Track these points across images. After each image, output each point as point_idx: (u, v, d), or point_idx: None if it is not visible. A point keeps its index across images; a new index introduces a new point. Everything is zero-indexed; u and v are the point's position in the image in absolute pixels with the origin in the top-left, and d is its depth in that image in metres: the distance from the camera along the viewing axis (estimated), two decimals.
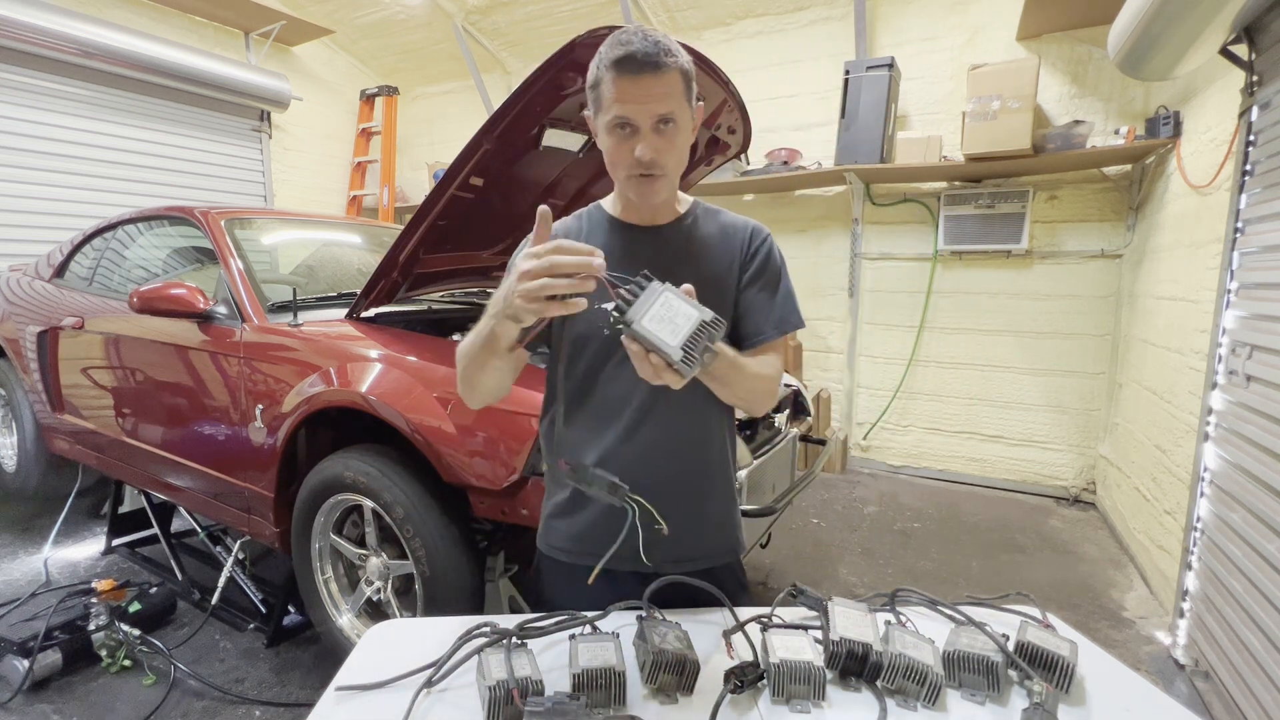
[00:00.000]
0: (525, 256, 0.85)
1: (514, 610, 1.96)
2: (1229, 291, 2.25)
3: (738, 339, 1.13)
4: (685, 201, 1.19)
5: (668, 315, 0.81)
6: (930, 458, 4.42)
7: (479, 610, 1.78)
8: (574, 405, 1.16)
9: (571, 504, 1.17)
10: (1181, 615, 2.37)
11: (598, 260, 0.83)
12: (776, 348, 1.14)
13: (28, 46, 3.99)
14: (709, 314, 0.81)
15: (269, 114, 5.49)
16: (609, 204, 1.18)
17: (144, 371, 2.53)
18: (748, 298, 1.14)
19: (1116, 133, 3.50)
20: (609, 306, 0.83)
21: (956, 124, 3.82)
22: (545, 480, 1.25)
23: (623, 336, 0.83)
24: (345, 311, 2.20)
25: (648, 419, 1.11)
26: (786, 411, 2.49)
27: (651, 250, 1.11)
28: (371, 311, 2.20)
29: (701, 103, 1.08)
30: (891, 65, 3.93)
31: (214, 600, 2.37)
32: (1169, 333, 2.87)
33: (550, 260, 0.82)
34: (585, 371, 1.13)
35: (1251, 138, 2.21)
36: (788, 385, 2.60)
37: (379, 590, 1.96)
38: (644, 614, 0.94)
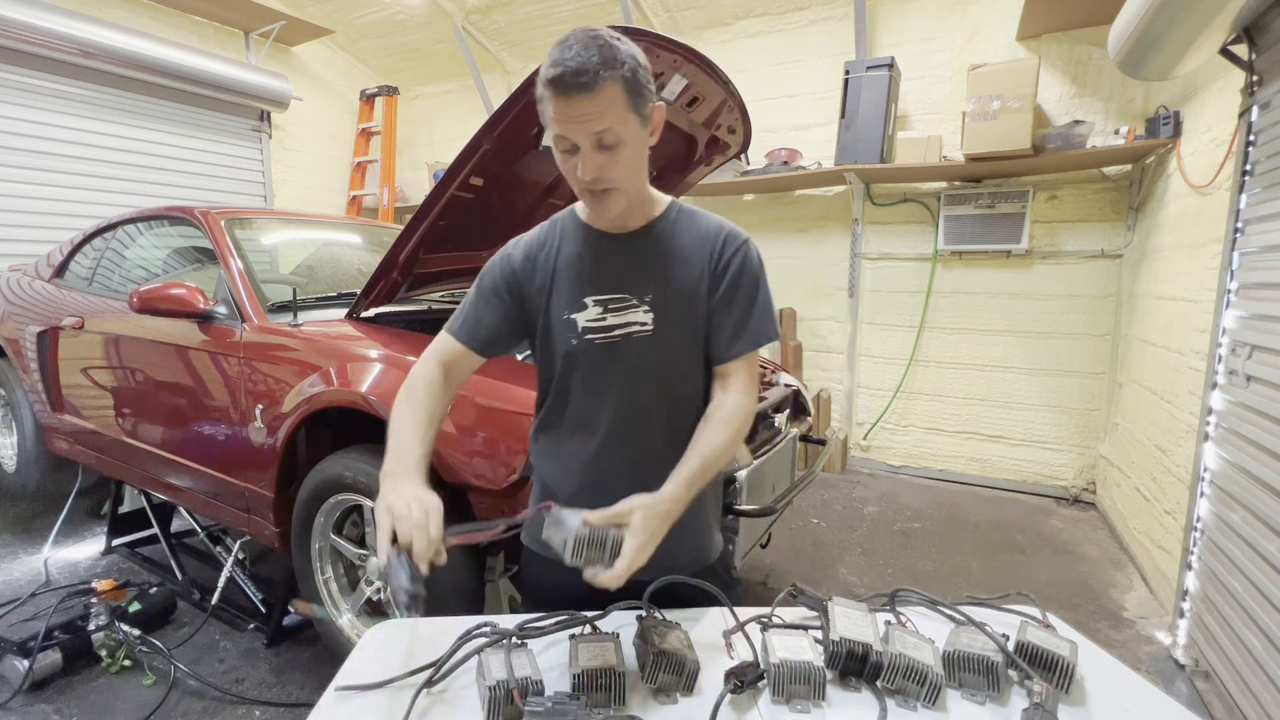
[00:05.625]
0: (419, 518, 0.87)
1: (514, 610, 1.96)
2: (1229, 291, 2.25)
3: (707, 353, 1.11)
4: (661, 203, 1.13)
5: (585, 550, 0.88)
6: (930, 458, 4.42)
7: (479, 610, 1.78)
8: (552, 416, 1.17)
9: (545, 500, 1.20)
10: (1181, 615, 2.37)
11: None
12: (747, 364, 1.11)
13: (28, 46, 3.99)
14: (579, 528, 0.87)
15: (269, 114, 5.48)
16: (582, 208, 1.14)
17: (144, 371, 2.53)
18: (719, 311, 1.10)
19: (1116, 133, 3.50)
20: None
21: (956, 124, 3.82)
22: (533, 479, 1.26)
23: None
24: (345, 311, 2.20)
25: (622, 432, 1.11)
26: (786, 411, 2.49)
27: (621, 259, 1.10)
28: (371, 311, 2.20)
29: (662, 102, 1.03)
30: (891, 65, 3.93)
31: (214, 600, 2.37)
32: (1169, 333, 2.87)
33: (415, 535, 0.85)
34: (558, 382, 1.14)
35: (1251, 138, 2.21)
36: (788, 385, 2.60)
37: (379, 590, 1.96)
38: (644, 614, 0.94)
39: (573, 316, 1.10)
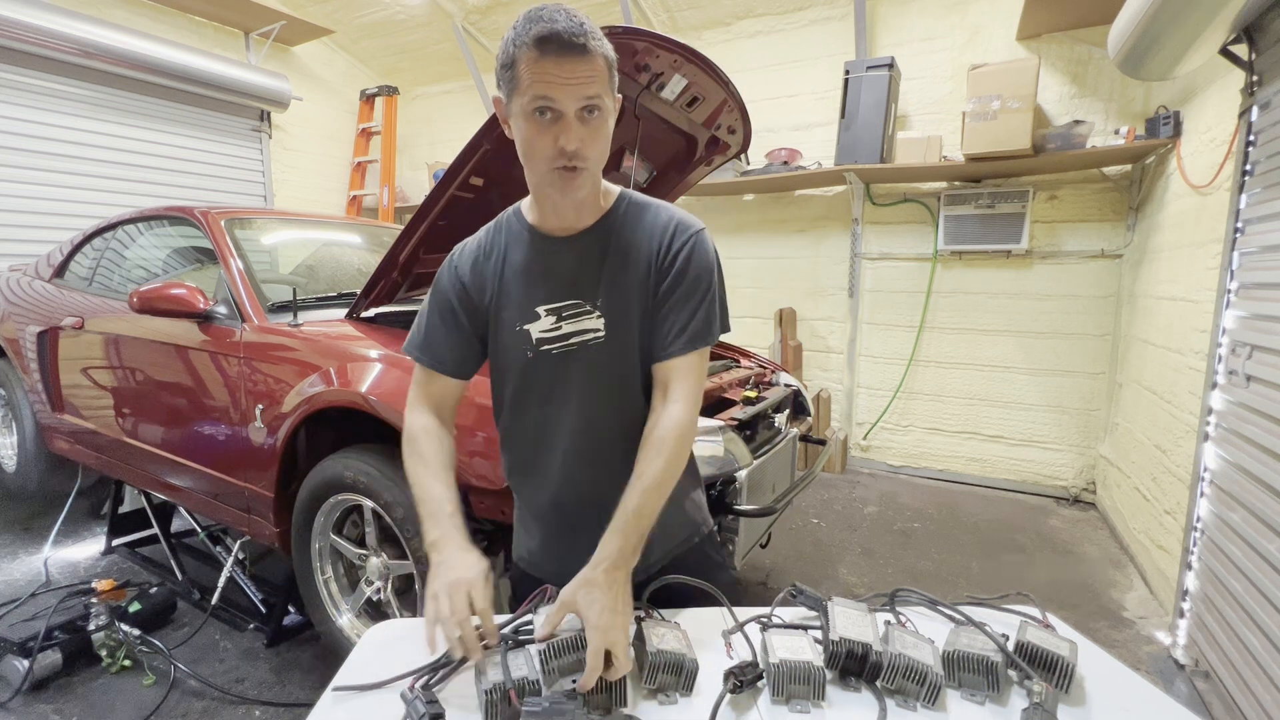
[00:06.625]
0: (458, 613, 0.86)
1: (513, 610, 1.96)
2: (1229, 291, 2.25)
3: (648, 352, 1.06)
4: (610, 194, 1.07)
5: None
6: (930, 458, 4.42)
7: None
8: (513, 431, 1.14)
9: (520, 520, 1.20)
10: (1181, 615, 2.37)
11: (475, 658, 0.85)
12: (688, 368, 1.02)
13: (28, 46, 3.99)
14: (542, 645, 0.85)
15: (269, 114, 5.48)
16: (528, 208, 1.08)
17: (144, 371, 2.53)
18: (661, 306, 1.03)
19: (1116, 133, 3.50)
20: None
21: (956, 124, 3.81)
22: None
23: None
24: (345, 311, 2.20)
25: (583, 442, 1.08)
26: (786, 411, 2.49)
27: (571, 264, 1.05)
28: (371, 311, 2.20)
29: (620, 95, 1.00)
30: (891, 65, 3.93)
31: (214, 600, 2.37)
32: (1169, 333, 2.87)
33: (455, 632, 0.85)
34: (514, 397, 1.11)
35: (1251, 138, 2.21)
36: (788, 385, 2.60)
37: (379, 590, 1.96)
38: (642, 614, 0.94)
39: (525, 328, 1.05)
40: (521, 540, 1.20)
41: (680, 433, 0.99)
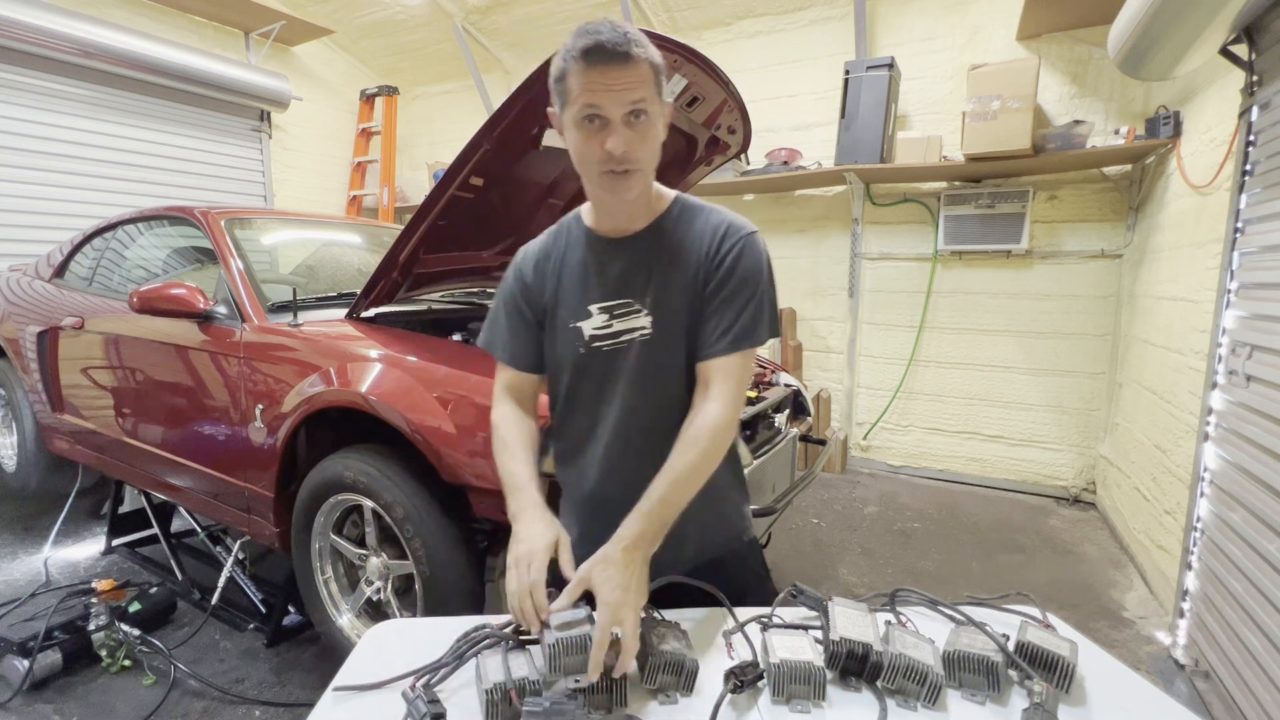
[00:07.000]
0: (519, 587, 0.90)
1: None
2: (1229, 291, 2.25)
3: (694, 352, 1.07)
4: (665, 198, 1.12)
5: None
6: (930, 458, 4.42)
7: (479, 610, 1.78)
8: (564, 422, 1.18)
9: (564, 511, 1.22)
10: (1181, 615, 2.37)
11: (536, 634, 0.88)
12: (730, 368, 1.03)
13: (28, 46, 3.99)
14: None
15: (269, 114, 5.48)
16: (586, 212, 1.14)
17: (144, 371, 2.53)
18: (708, 306, 1.06)
19: (1116, 133, 3.50)
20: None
21: (956, 124, 3.81)
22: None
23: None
24: (345, 311, 2.20)
25: (625, 436, 1.10)
26: (786, 411, 2.49)
27: (622, 265, 1.09)
28: (371, 311, 2.20)
29: (671, 101, 1.04)
30: (891, 65, 3.93)
31: (214, 600, 2.37)
32: (1169, 333, 2.87)
33: (522, 607, 0.89)
34: (567, 390, 1.15)
35: (1251, 138, 2.21)
36: (788, 385, 2.60)
37: (379, 590, 1.95)
38: (643, 614, 0.94)
39: (578, 325, 1.10)
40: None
41: (715, 431, 1.01)
